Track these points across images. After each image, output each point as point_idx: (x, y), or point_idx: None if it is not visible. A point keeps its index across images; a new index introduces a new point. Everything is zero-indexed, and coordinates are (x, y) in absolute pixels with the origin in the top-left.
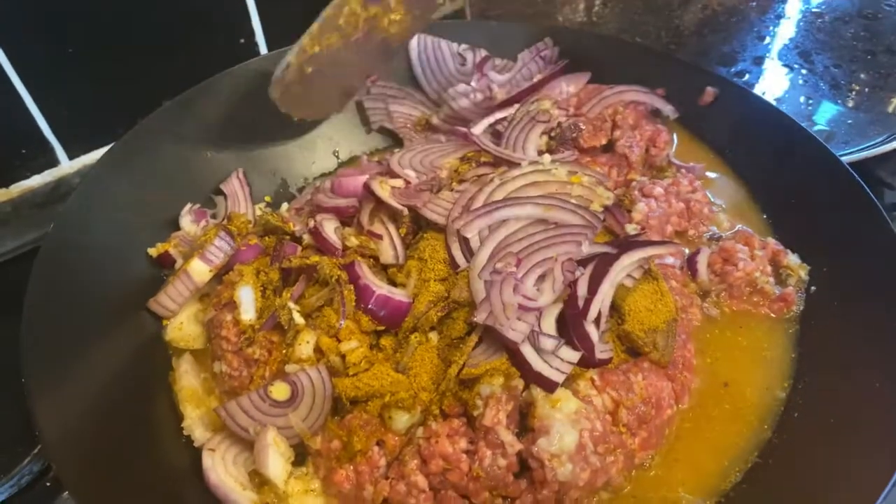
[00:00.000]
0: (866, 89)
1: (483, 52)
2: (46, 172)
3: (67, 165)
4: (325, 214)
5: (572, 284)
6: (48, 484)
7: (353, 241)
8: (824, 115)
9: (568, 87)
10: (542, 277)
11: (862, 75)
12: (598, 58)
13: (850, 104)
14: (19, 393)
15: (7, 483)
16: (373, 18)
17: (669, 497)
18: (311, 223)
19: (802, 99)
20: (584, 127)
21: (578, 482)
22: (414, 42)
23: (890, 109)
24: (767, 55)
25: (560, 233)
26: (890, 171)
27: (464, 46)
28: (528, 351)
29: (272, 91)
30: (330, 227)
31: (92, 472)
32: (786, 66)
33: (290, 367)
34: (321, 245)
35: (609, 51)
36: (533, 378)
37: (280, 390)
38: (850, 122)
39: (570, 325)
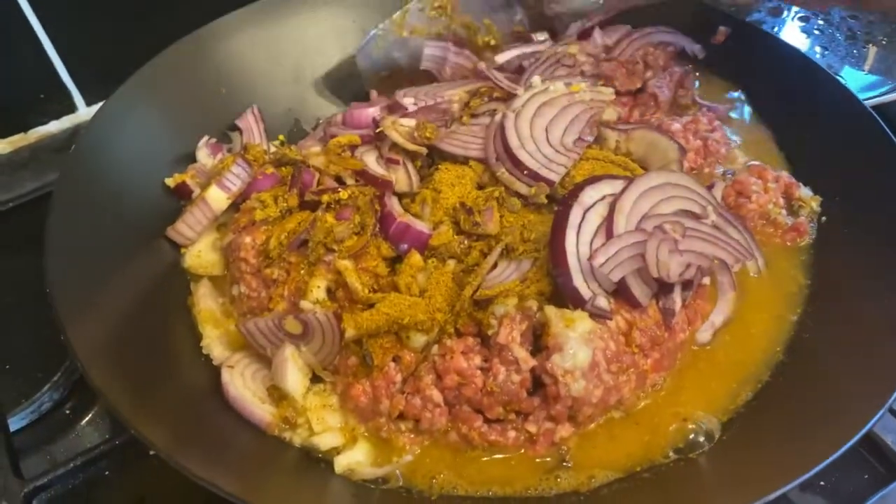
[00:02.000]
0: (883, 41)
1: None
2: (64, 118)
3: (85, 112)
4: (364, 146)
5: None
6: (67, 411)
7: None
8: (840, 64)
9: (602, 39)
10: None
11: (879, 27)
12: None
13: (866, 55)
14: (39, 323)
15: (27, 409)
16: None
17: (680, 413)
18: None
19: (818, 49)
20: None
21: (591, 399)
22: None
23: None
24: (783, 5)
25: (725, 240)
26: None
27: None
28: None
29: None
30: (371, 159)
31: (123, 386)
32: (801, 17)
33: (304, 304)
34: (369, 181)
35: None
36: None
37: (292, 325)
38: (864, 72)
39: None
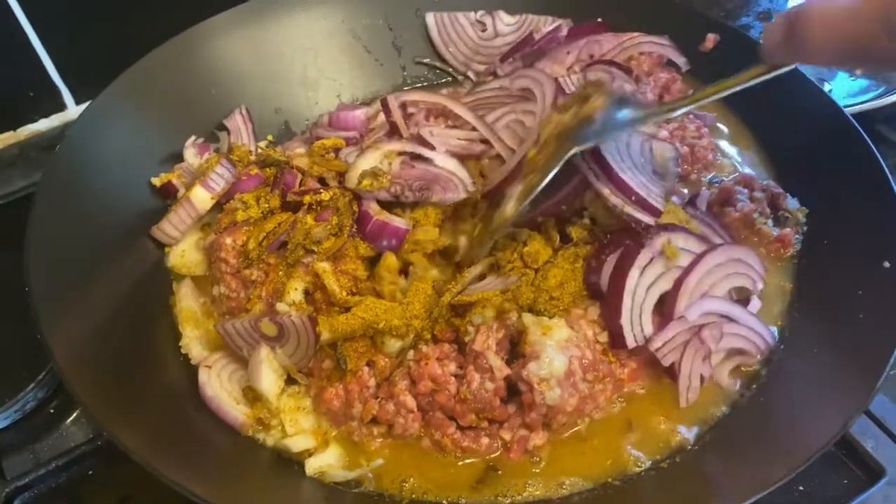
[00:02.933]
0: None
1: (501, 14)
2: (54, 116)
3: (74, 110)
4: (348, 148)
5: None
6: (52, 410)
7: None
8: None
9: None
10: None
11: None
12: (603, 3)
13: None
14: (24, 321)
15: (12, 408)
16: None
17: (653, 423)
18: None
19: None
20: None
21: (566, 407)
22: (431, 21)
23: None
24: (772, 10)
25: (754, 335)
26: (892, 127)
27: (480, 13)
28: None
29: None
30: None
31: (99, 388)
32: None
33: (280, 307)
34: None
35: None
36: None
37: (268, 327)
38: (850, 78)
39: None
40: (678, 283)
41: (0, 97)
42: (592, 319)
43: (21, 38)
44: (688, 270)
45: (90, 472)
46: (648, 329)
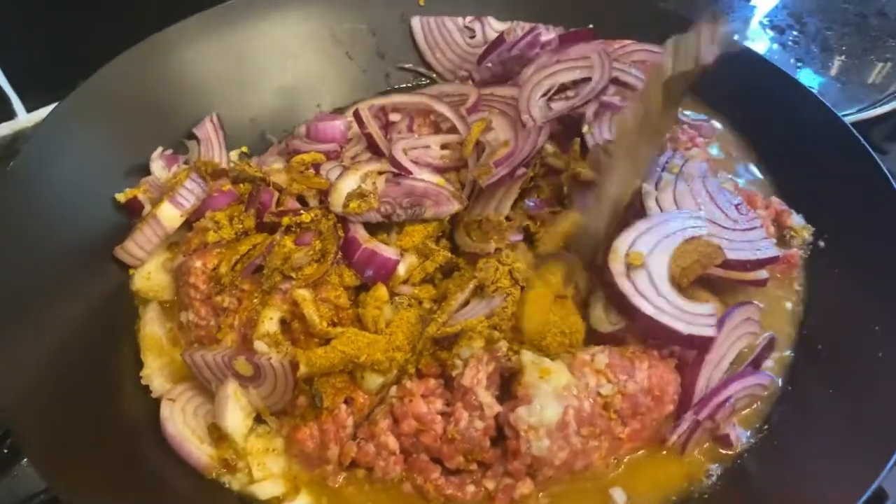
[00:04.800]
0: (857, 51)
1: (490, 21)
2: (3, 125)
3: (25, 118)
4: (330, 163)
5: None
6: (6, 451)
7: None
8: (814, 78)
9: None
10: None
11: (853, 38)
12: (591, 10)
13: (840, 67)
14: None
15: None
16: None
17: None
18: None
19: (792, 61)
20: None
21: (554, 460)
22: (417, 25)
23: (881, 73)
24: (754, 16)
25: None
26: (882, 136)
27: (469, 18)
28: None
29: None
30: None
31: (50, 433)
32: (775, 27)
33: (257, 345)
34: None
35: (599, 4)
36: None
37: (243, 366)
38: (839, 85)
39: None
40: (700, 355)
41: None
42: (599, 369)
43: None
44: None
45: None
46: None
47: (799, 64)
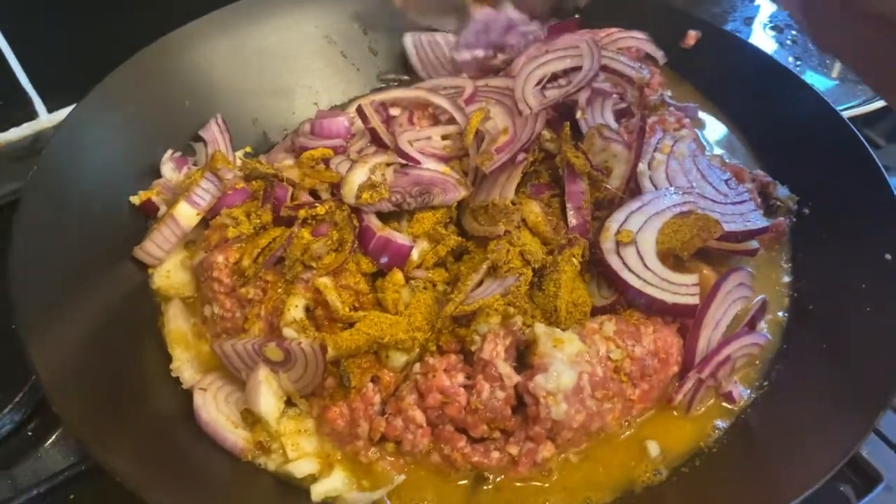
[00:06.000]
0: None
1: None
2: (25, 126)
3: (46, 119)
4: (338, 157)
5: None
6: (30, 433)
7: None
8: (814, 77)
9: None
10: None
11: None
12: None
13: (840, 68)
14: None
15: None
16: None
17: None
18: None
19: (791, 59)
20: None
21: (572, 423)
22: (409, 43)
23: None
24: (757, 16)
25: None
26: (879, 132)
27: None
28: None
29: None
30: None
31: (86, 409)
32: (774, 27)
33: (286, 332)
34: None
35: None
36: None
37: (274, 352)
38: (836, 84)
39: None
40: (699, 319)
41: None
42: (608, 336)
43: None
44: (705, 305)
45: (71, 497)
46: None
47: (798, 63)
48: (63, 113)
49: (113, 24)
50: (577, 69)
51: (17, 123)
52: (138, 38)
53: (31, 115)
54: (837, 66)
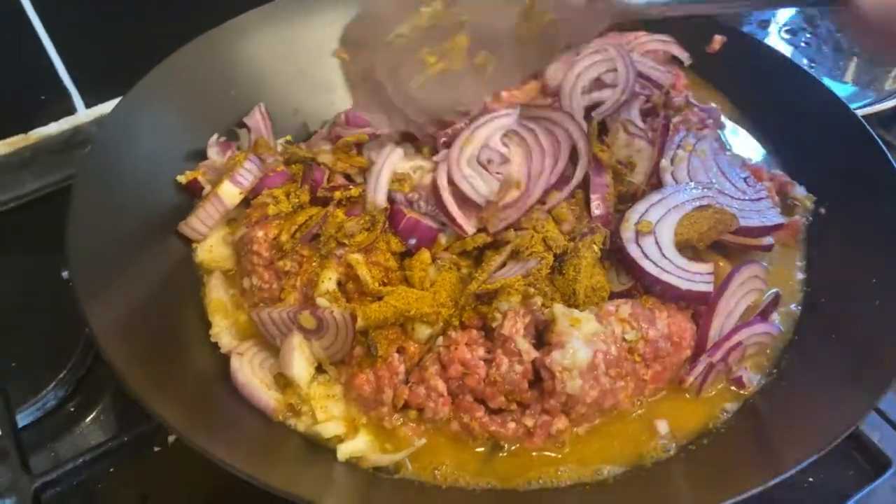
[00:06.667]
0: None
1: None
2: (63, 120)
3: (84, 114)
4: (371, 143)
5: None
6: (72, 409)
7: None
8: (828, 80)
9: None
10: None
11: None
12: None
13: (855, 71)
14: (43, 322)
15: (33, 406)
16: None
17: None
18: None
19: (805, 62)
20: None
21: (586, 398)
22: None
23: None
24: (773, 19)
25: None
26: (894, 134)
27: None
28: None
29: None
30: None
31: (135, 364)
32: (789, 31)
33: (319, 301)
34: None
35: None
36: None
37: (307, 320)
38: (853, 87)
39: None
40: (712, 306)
41: (11, 101)
42: (623, 318)
43: (34, 41)
44: (719, 293)
45: (111, 470)
46: None
47: (812, 65)
48: (101, 108)
49: (152, 21)
50: (611, 71)
51: (56, 118)
52: (177, 36)
53: (70, 109)
54: (851, 70)
